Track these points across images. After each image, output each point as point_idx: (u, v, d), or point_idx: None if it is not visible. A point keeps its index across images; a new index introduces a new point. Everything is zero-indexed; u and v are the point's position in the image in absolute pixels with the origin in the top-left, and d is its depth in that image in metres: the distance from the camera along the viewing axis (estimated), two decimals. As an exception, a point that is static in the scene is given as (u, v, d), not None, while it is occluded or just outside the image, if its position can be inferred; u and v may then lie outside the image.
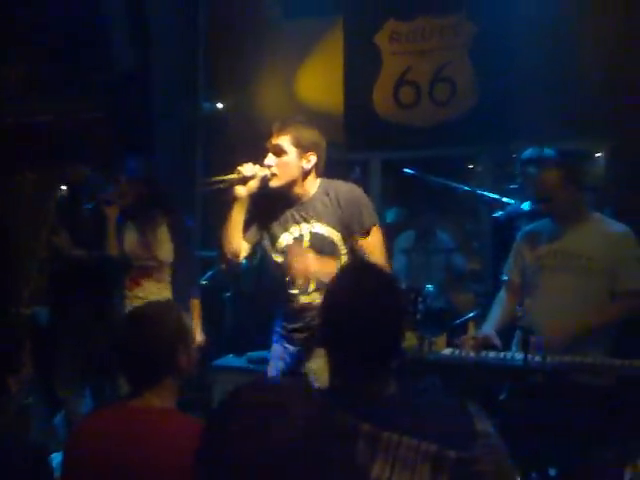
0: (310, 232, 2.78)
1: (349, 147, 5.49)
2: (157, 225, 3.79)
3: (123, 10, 5.25)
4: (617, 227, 3.10)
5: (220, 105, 6.01)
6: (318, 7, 5.57)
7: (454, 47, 5.32)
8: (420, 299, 3.61)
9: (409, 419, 1.47)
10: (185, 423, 1.82)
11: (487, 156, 5.37)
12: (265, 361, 3.76)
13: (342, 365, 1.60)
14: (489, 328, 3.14)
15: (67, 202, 3.93)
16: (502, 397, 2.94)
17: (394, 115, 5.46)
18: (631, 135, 4.76)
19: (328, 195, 2.78)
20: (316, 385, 2.51)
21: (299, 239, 2.80)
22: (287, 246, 2.80)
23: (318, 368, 2.68)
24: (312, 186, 2.80)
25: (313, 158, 2.76)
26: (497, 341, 3.03)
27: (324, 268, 2.64)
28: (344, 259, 2.77)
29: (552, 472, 2.96)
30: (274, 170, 2.72)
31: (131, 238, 3.79)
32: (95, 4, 5.06)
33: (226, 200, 2.77)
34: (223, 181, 2.71)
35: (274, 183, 2.74)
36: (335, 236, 2.77)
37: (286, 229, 2.82)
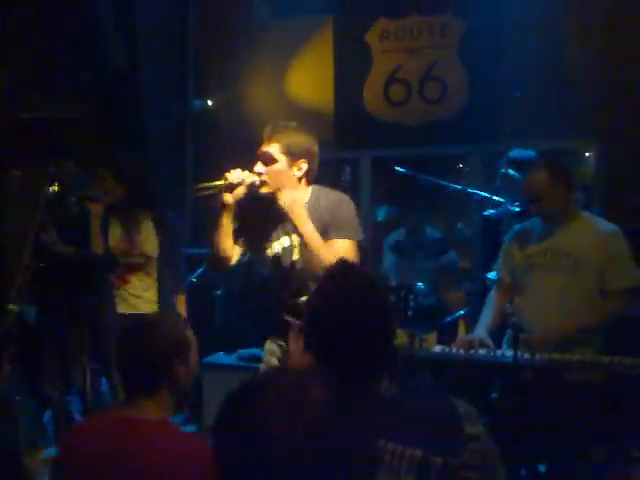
0: (300, 242, 2.72)
1: (339, 145, 5.50)
2: (142, 221, 3.78)
3: (112, 8, 5.23)
4: (606, 226, 3.12)
5: (210, 103, 6.00)
6: (308, 6, 5.57)
7: (443, 46, 5.35)
8: (411, 296, 3.63)
9: (395, 424, 1.46)
10: (177, 437, 1.82)
11: (477, 155, 5.39)
12: (256, 359, 3.77)
13: (326, 367, 1.58)
14: (481, 330, 3.15)
15: (57, 199, 3.91)
16: (493, 394, 2.95)
17: (385, 113, 5.48)
18: (620, 135, 4.79)
19: (319, 204, 2.73)
20: None
21: (289, 249, 2.77)
22: (276, 255, 2.79)
23: None
24: (303, 194, 2.74)
25: (304, 166, 2.70)
26: (490, 343, 3.04)
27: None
28: None
29: (541, 468, 2.98)
30: (264, 177, 2.68)
31: (116, 235, 3.78)
32: (85, 3, 5.04)
33: (214, 205, 2.74)
34: (210, 188, 2.67)
35: (264, 190, 2.70)
36: None
37: (277, 238, 2.79)
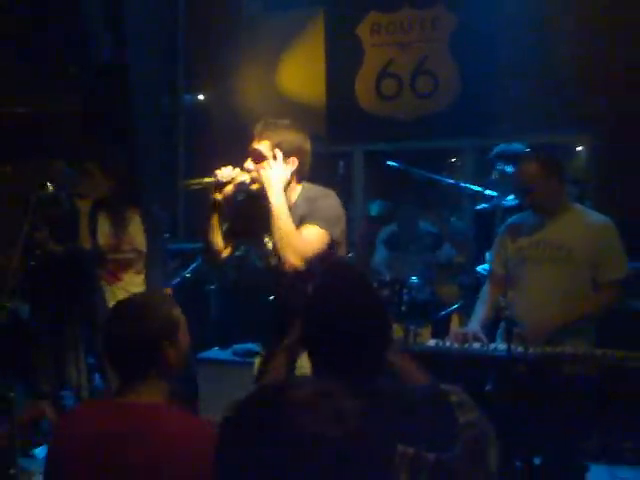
0: None
1: (331, 139, 5.50)
2: (130, 216, 3.78)
3: (102, 3, 5.20)
4: (598, 218, 3.13)
5: (201, 97, 5.99)
6: (298, -1, 5.58)
7: (434, 40, 5.35)
8: (405, 291, 3.64)
9: (389, 421, 1.44)
10: (176, 419, 1.79)
11: (469, 149, 5.41)
12: (250, 353, 3.78)
13: (325, 366, 1.57)
14: (475, 324, 3.16)
15: (48, 198, 3.90)
16: (486, 388, 2.97)
17: (376, 107, 5.48)
18: (612, 129, 4.81)
19: (308, 203, 2.70)
20: None
21: None
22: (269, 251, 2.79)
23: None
24: (293, 192, 2.71)
25: (295, 163, 2.66)
26: (483, 337, 3.05)
27: None
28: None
29: (537, 461, 3.00)
30: (254, 175, 2.67)
31: (105, 230, 3.77)
32: (73, -2, 5.03)
33: (207, 200, 2.74)
34: (200, 184, 2.69)
35: (254, 188, 2.69)
36: None
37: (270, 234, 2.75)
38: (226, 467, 1.10)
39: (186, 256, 4.71)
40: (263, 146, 2.65)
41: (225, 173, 2.64)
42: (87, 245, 3.71)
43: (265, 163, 2.63)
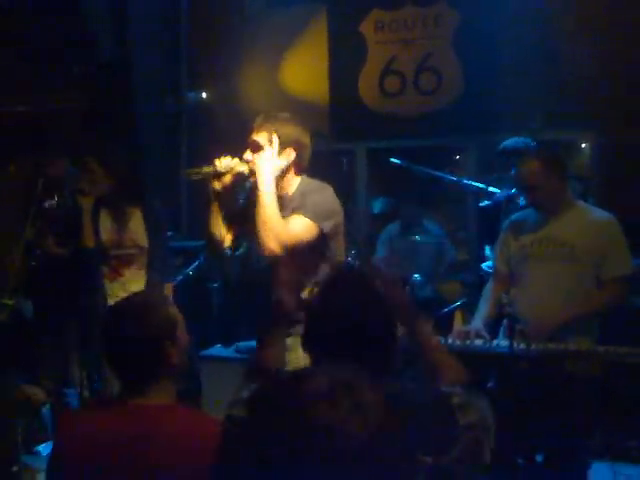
0: None
1: (335, 136, 5.50)
2: (131, 212, 3.78)
3: (104, 2, 5.21)
4: (601, 214, 3.12)
5: (204, 95, 5.98)
6: (301, -5, 5.57)
7: (438, 37, 5.33)
8: (407, 288, 3.64)
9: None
10: (188, 420, 1.78)
11: (473, 146, 5.39)
12: (253, 351, 3.77)
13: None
14: (478, 321, 3.15)
15: (50, 196, 3.91)
16: (489, 384, 2.96)
17: (380, 104, 5.47)
18: (616, 126, 4.80)
19: (302, 196, 2.73)
20: None
21: None
22: None
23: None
24: (291, 184, 2.76)
25: (292, 155, 2.71)
26: (485, 334, 3.05)
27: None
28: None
29: (539, 458, 2.99)
30: (252, 166, 2.69)
31: (107, 227, 3.77)
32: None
33: (206, 192, 2.80)
34: (199, 173, 2.74)
35: (253, 179, 2.71)
36: None
37: None
38: (240, 460, 1.08)
39: (189, 253, 4.71)
40: (261, 137, 2.69)
41: (224, 163, 2.69)
42: (91, 243, 3.70)
43: (260, 152, 2.67)
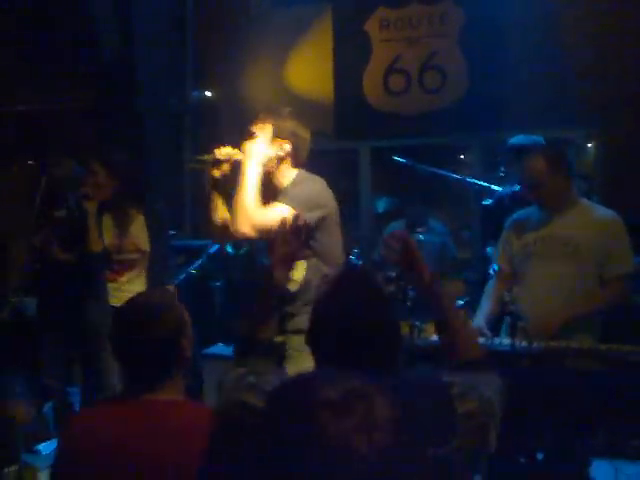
0: None
1: (339, 135, 5.49)
2: (133, 215, 3.78)
3: (109, 1, 5.22)
4: (605, 213, 3.10)
5: (209, 94, 5.99)
6: (306, -6, 5.57)
7: (443, 35, 5.32)
8: (410, 287, 3.62)
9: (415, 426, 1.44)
10: (203, 414, 1.75)
11: (477, 145, 5.37)
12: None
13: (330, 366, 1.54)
14: (481, 320, 3.14)
15: (55, 199, 3.91)
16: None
17: (384, 103, 5.45)
18: (620, 126, 4.77)
19: (293, 187, 2.81)
20: None
21: None
22: None
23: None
24: (286, 176, 2.83)
25: (287, 147, 2.80)
26: (487, 332, 3.03)
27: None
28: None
29: (540, 456, 2.97)
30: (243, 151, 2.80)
31: (109, 231, 3.77)
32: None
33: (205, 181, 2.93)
34: (200, 161, 2.89)
35: None
36: None
37: None
38: (256, 450, 1.09)
39: (192, 252, 4.71)
40: (257, 127, 2.81)
41: (223, 152, 2.80)
42: (97, 248, 3.68)
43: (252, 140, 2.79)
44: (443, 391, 1.50)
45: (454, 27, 5.28)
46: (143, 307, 1.88)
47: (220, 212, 2.88)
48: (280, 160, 2.81)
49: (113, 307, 3.68)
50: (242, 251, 3.97)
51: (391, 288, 3.87)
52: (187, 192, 5.72)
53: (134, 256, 3.75)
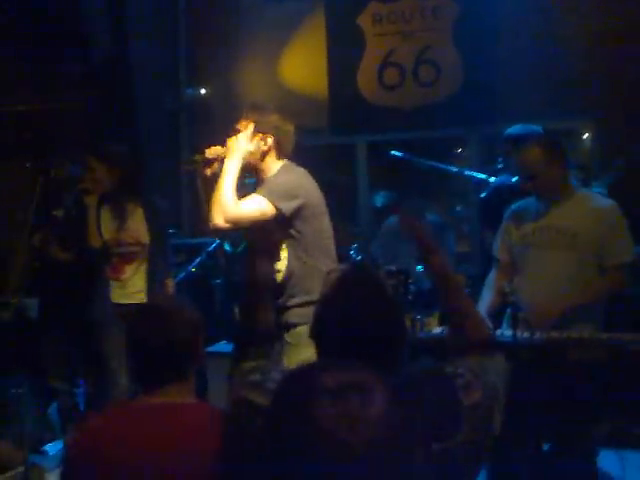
0: None
1: (334, 130, 5.49)
2: (132, 209, 3.79)
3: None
4: (603, 202, 3.11)
5: (203, 91, 5.98)
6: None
7: (436, 29, 5.32)
8: (410, 280, 3.63)
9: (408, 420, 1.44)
10: (219, 416, 1.74)
11: (473, 138, 5.38)
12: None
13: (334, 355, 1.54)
14: (482, 311, 3.14)
15: (53, 197, 3.91)
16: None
17: (379, 97, 5.46)
18: (617, 116, 4.78)
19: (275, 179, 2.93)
20: None
21: None
22: None
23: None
24: (271, 168, 2.93)
25: (269, 140, 2.89)
26: (489, 324, 3.04)
27: None
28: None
29: (545, 447, 2.99)
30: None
31: (108, 225, 3.78)
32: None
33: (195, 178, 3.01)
34: (192, 161, 2.98)
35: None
36: None
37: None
38: (261, 449, 1.09)
39: (191, 251, 4.71)
40: (242, 124, 2.91)
41: (213, 151, 2.90)
42: (96, 242, 3.70)
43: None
44: (448, 383, 1.50)
45: (447, 20, 5.28)
46: (162, 308, 1.86)
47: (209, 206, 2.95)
48: (264, 153, 2.90)
49: (121, 305, 3.70)
50: (240, 249, 3.96)
51: (392, 282, 3.88)
52: (184, 190, 5.72)
53: (134, 249, 3.76)
